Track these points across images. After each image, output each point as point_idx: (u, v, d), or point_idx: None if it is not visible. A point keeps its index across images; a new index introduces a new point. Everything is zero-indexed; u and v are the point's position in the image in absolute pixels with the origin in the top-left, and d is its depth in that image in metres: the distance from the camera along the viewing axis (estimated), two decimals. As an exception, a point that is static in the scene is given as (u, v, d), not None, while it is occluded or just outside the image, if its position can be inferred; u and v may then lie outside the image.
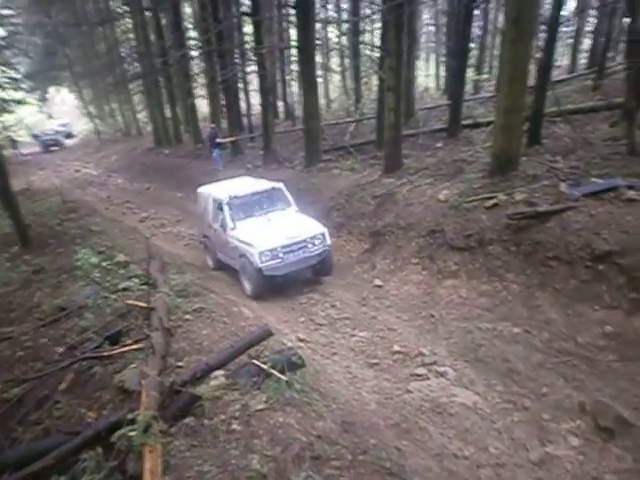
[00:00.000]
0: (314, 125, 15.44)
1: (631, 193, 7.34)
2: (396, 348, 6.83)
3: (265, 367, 4.72)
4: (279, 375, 4.68)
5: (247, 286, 9.19)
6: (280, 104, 29.09)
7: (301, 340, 7.33)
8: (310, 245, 9.08)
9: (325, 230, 9.27)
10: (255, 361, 4.87)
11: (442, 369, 6.18)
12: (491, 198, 8.54)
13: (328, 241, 9.24)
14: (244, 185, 10.76)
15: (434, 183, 10.35)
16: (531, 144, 11.15)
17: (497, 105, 9.71)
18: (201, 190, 11.42)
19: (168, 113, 27.76)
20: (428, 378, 6.05)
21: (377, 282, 9.13)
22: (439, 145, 13.95)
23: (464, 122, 14.94)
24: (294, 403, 4.36)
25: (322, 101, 25.22)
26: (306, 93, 15.67)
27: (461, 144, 13.42)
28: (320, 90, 24.00)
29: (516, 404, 5.42)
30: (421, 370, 6.26)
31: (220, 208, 9.99)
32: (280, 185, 10.38)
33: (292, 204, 10.20)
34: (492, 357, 6.27)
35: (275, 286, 9.06)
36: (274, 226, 9.37)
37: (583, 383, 5.53)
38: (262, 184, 10.57)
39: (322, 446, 3.54)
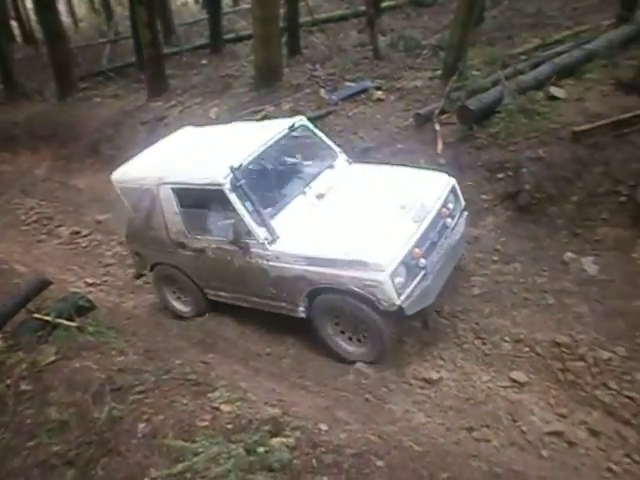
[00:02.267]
0: (61, 48, 13.46)
1: (379, 93, 8.28)
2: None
3: (49, 318, 4.37)
4: (67, 323, 4.39)
5: (361, 349, 4.60)
6: (14, 24, 24.63)
7: (90, 284, 6.94)
8: (449, 219, 4.77)
9: (453, 179, 5.04)
10: (36, 315, 4.47)
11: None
12: (260, 111, 8.77)
13: (462, 199, 5.13)
14: (220, 139, 5.67)
15: (204, 102, 10.20)
16: (292, 54, 11.53)
17: (253, 16, 9.71)
18: (122, 178, 5.58)
19: None
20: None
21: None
22: (204, 62, 13.54)
23: (227, 36, 14.65)
24: (90, 346, 4.17)
25: (67, 20, 22.13)
26: (42, 9, 13.38)
27: (226, 59, 13.24)
28: (62, 7, 21.03)
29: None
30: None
31: (219, 202, 4.80)
32: (301, 119, 5.61)
33: (336, 150, 5.56)
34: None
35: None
36: (346, 208, 4.76)
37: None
38: (266, 127, 5.56)
39: (124, 377, 3.52)
